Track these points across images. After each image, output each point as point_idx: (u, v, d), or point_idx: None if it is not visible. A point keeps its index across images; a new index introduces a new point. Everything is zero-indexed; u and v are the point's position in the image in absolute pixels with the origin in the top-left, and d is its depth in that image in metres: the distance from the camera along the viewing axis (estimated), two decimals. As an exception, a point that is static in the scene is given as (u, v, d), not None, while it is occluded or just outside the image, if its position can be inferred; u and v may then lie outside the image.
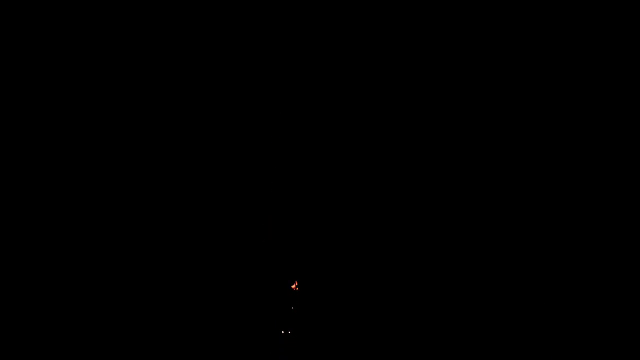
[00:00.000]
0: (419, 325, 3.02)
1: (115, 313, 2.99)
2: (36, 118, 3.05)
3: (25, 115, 3.03)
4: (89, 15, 3.10)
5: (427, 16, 3.07)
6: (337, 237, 3.20)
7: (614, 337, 2.77)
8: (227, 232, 3.18)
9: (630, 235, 2.80)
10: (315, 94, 3.25)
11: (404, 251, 3.09)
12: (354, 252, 3.16)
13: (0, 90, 3.00)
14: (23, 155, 3.01)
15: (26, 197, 2.98)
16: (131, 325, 2.98)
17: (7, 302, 2.87)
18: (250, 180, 3.23)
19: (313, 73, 3.24)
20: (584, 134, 2.92)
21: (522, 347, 2.91)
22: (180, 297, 3.07)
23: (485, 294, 2.96)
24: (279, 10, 3.17)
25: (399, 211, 3.12)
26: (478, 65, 3.07)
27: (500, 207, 3.01)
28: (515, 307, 2.93)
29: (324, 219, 3.22)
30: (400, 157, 3.14)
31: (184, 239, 3.13)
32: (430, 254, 3.06)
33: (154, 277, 3.06)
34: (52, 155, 3.04)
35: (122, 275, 3.03)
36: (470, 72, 3.08)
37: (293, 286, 3.12)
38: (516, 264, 2.95)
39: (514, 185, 3.00)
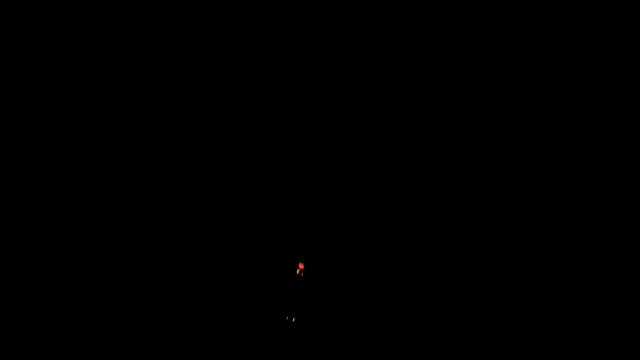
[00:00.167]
0: (419, 325, 3.02)
1: (115, 313, 2.98)
2: (36, 118, 3.05)
3: (26, 116, 3.04)
4: (89, 16, 3.11)
5: (426, 17, 3.09)
6: (337, 237, 3.20)
7: (612, 335, 2.77)
8: (227, 232, 3.18)
9: (627, 234, 2.81)
10: (315, 95, 3.26)
11: (403, 248, 3.09)
12: (355, 252, 3.16)
13: (1, 90, 3.00)
14: (23, 155, 3.01)
15: (26, 197, 2.98)
16: (132, 323, 2.97)
17: (8, 302, 2.86)
18: (251, 180, 3.23)
19: (313, 74, 3.25)
20: (584, 133, 2.93)
21: (521, 345, 2.91)
22: (180, 297, 3.06)
23: (485, 289, 2.96)
24: (279, 12, 3.19)
25: (398, 209, 3.12)
26: (478, 66, 3.08)
27: (501, 206, 3.02)
28: (514, 305, 2.93)
29: (324, 219, 3.22)
30: (400, 157, 3.15)
31: (184, 239, 3.13)
32: (430, 254, 3.06)
33: (154, 276, 3.06)
34: (52, 156, 3.05)
35: (122, 274, 3.02)
36: (470, 73, 3.09)
37: (297, 270, 3.10)
38: (516, 263, 2.96)
39: (514, 185, 3.00)
